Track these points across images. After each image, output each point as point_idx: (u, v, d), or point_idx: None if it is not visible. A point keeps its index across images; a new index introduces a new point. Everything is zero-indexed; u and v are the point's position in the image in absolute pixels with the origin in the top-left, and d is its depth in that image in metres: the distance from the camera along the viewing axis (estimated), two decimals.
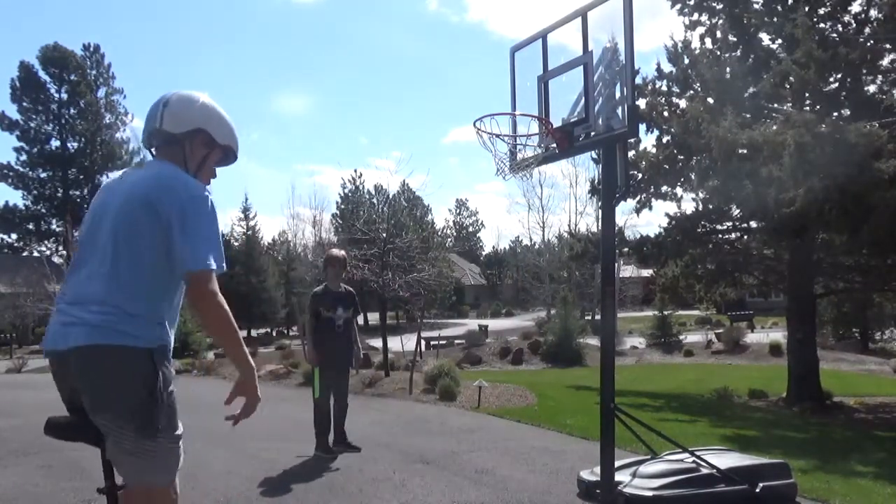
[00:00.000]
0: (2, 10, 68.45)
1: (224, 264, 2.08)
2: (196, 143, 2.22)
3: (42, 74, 46.86)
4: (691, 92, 12.74)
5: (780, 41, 12.12)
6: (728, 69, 11.79)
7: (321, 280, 6.90)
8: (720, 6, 12.51)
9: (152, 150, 2.28)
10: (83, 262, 2.10)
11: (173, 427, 2.10)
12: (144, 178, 2.10)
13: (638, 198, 13.01)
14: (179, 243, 1.98)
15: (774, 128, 10.70)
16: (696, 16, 12.90)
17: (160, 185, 2.05)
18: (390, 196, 26.92)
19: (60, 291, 2.14)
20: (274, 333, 41.68)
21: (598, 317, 29.34)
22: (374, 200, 43.89)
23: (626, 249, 14.48)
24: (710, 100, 11.91)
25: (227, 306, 2.06)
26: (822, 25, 11.62)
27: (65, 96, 47.45)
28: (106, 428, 2.03)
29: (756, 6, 12.20)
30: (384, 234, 15.19)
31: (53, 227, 47.00)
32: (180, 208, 2.01)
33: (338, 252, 6.51)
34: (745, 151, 10.25)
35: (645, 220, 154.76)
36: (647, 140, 13.97)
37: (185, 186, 2.07)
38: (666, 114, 12.48)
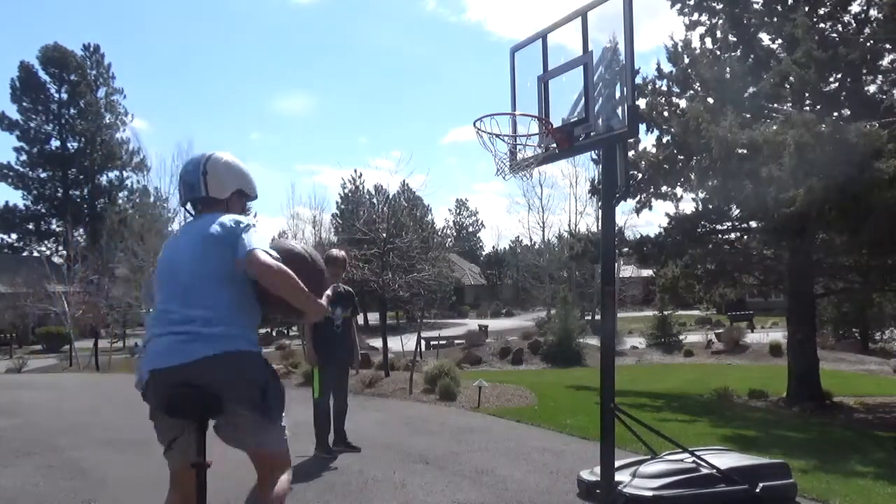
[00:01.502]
0: (2, 10, 68.52)
1: (261, 247, 2.48)
2: (233, 199, 2.76)
3: (42, 74, 46.91)
4: (691, 92, 12.74)
5: (780, 41, 12.12)
6: (728, 69, 11.79)
7: None
8: (720, 6, 12.51)
9: (188, 205, 2.79)
10: (174, 294, 2.55)
11: (282, 407, 2.62)
12: (207, 222, 2.59)
13: (638, 198, 13.01)
14: (240, 247, 2.48)
15: (774, 128, 10.69)
16: (696, 16, 12.90)
17: (222, 223, 2.56)
18: (390, 196, 26.90)
19: (157, 317, 2.57)
20: (274, 333, 41.64)
21: (598, 317, 29.34)
22: (374, 200, 43.85)
23: (626, 249, 14.49)
24: (710, 100, 11.91)
25: (281, 270, 2.44)
26: (822, 25, 11.62)
27: (65, 96, 47.47)
28: (239, 417, 2.49)
29: (756, 6, 12.19)
30: (384, 234, 15.18)
31: (53, 227, 47.03)
32: (238, 231, 2.53)
33: (337, 252, 6.50)
34: (745, 151, 10.25)
35: (645, 220, 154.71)
36: (647, 140, 13.99)
37: (239, 219, 2.59)
38: (666, 114, 12.48)
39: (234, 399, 2.44)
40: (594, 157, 12.48)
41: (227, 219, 2.56)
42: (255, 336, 2.57)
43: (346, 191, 48.31)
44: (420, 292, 18.03)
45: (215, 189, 2.69)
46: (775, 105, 12.02)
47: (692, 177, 12.31)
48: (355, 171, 48.25)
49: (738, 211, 12.84)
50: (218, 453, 5.89)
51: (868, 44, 11.00)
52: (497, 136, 4.37)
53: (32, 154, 47.08)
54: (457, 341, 24.96)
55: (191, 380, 2.39)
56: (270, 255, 2.45)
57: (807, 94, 11.52)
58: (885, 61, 11.51)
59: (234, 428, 2.53)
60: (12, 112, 46.42)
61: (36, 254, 42.51)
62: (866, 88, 11.75)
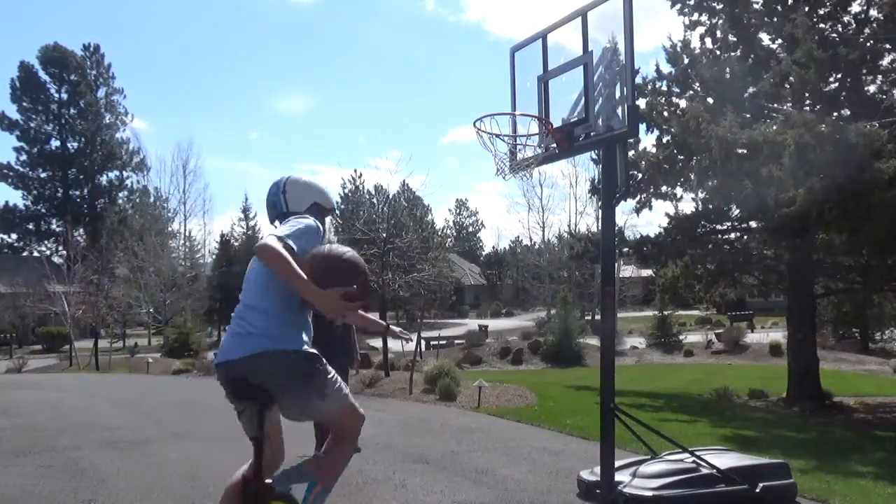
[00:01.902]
0: (2, 10, 68.52)
1: (293, 244, 2.65)
2: (311, 212, 3.01)
3: (42, 74, 46.92)
4: (691, 92, 12.73)
5: (780, 41, 12.11)
6: (728, 69, 11.78)
7: None
8: (720, 6, 12.50)
9: (275, 223, 3.05)
10: (243, 292, 2.86)
11: (328, 382, 2.79)
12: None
13: (638, 198, 13.00)
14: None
15: (774, 128, 10.69)
16: (695, 16, 12.89)
17: (276, 230, 2.77)
18: (390, 196, 26.89)
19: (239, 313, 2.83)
20: None
21: (598, 317, 29.34)
22: (374, 200, 43.86)
23: (626, 249, 14.48)
24: (710, 100, 11.90)
25: (282, 257, 2.58)
26: (822, 25, 11.61)
27: (65, 96, 47.48)
28: (288, 402, 2.78)
29: (756, 6, 12.19)
30: (384, 234, 15.19)
31: (53, 227, 47.03)
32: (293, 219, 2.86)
33: None
34: (745, 151, 10.24)
35: (645, 220, 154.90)
36: (647, 140, 13.98)
37: (287, 222, 2.82)
38: (666, 114, 12.47)
39: (278, 390, 2.72)
40: (594, 157, 12.48)
41: (285, 223, 2.82)
42: (295, 333, 2.78)
43: (346, 191, 48.27)
44: (420, 292, 18.04)
45: (294, 204, 3.00)
46: (775, 105, 12.02)
47: (692, 177, 12.31)
48: (355, 171, 48.19)
49: (738, 211, 12.83)
50: (218, 453, 5.88)
51: (868, 44, 10.99)
52: (497, 136, 4.37)
53: (32, 154, 47.08)
54: (457, 341, 24.96)
55: (239, 374, 2.69)
56: (286, 241, 2.61)
57: (807, 94, 11.51)
58: (885, 61, 11.50)
59: (289, 409, 2.81)
60: (12, 112, 46.49)
61: (36, 254, 42.58)
62: (866, 88, 11.74)
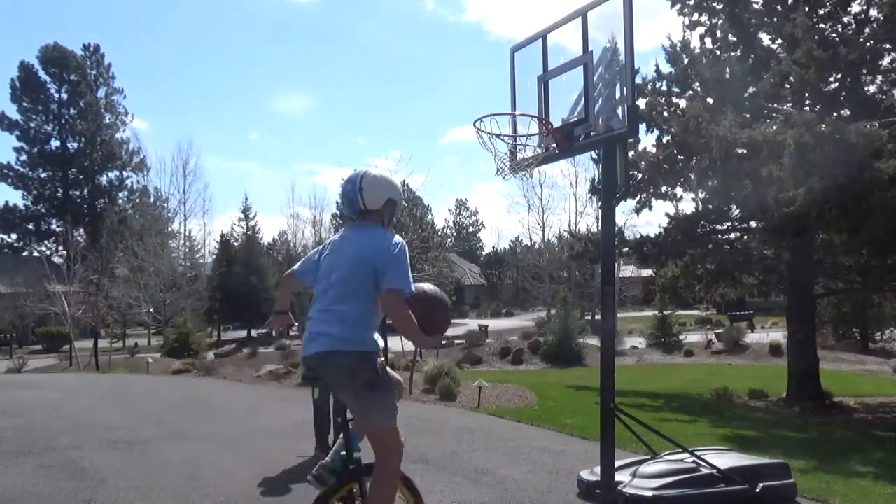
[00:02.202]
0: (2, 10, 68.53)
1: (411, 289, 2.96)
2: (386, 208, 3.19)
3: (42, 74, 46.91)
4: (691, 92, 12.74)
5: (780, 41, 12.12)
6: (728, 69, 11.79)
7: None
8: (720, 6, 12.50)
9: (352, 216, 3.23)
10: (324, 290, 3.10)
11: (384, 396, 3.06)
12: (365, 240, 3.05)
13: (638, 198, 13.00)
14: (386, 276, 2.92)
15: (774, 128, 10.69)
16: (695, 16, 12.89)
17: (378, 246, 3.00)
18: None
19: (313, 304, 3.13)
20: (274, 334, 41.64)
21: (598, 317, 29.34)
22: None
23: (626, 249, 14.49)
24: (710, 100, 11.91)
25: (405, 312, 2.93)
26: (822, 25, 11.61)
27: (65, 96, 47.47)
28: (347, 399, 3.13)
29: (756, 6, 12.19)
30: None
31: (53, 227, 47.01)
32: (390, 257, 2.97)
33: None
34: (745, 151, 10.24)
35: (645, 220, 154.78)
36: (647, 140, 13.99)
37: (394, 244, 3.01)
38: (666, 114, 12.48)
39: (341, 387, 3.06)
40: (594, 157, 12.49)
41: (384, 244, 3.00)
42: (370, 338, 3.04)
43: None
44: None
45: (371, 202, 3.14)
46: (775, 105, 12.02)
47: (692, 177, 12.31)
48: (355, 171, 48.21)
49: (738, 211, 12.83)
50: (218, 453, 5.89)
51: (868, 44, 10.99)
52: (497, 136, 4.36)
53: (32, 154, 47.07)
54: (457, 341, 24.93)
55: (316, 366, 3.04)
56: (403, 293, 2.92)
57: (807, 94, 11.51)
58: (885, 61, 11.51)
59: (349, 408, 3.12)
60: (12, 112, 46.47)
61: (36, 254, 42.56)
62: (866, 88, 11.75)
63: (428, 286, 3.22)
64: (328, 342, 2.94)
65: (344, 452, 3.17)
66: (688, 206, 13.24)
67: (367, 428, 3.07)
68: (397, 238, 3.05)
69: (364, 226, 3.13)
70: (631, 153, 12.34)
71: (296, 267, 3.37)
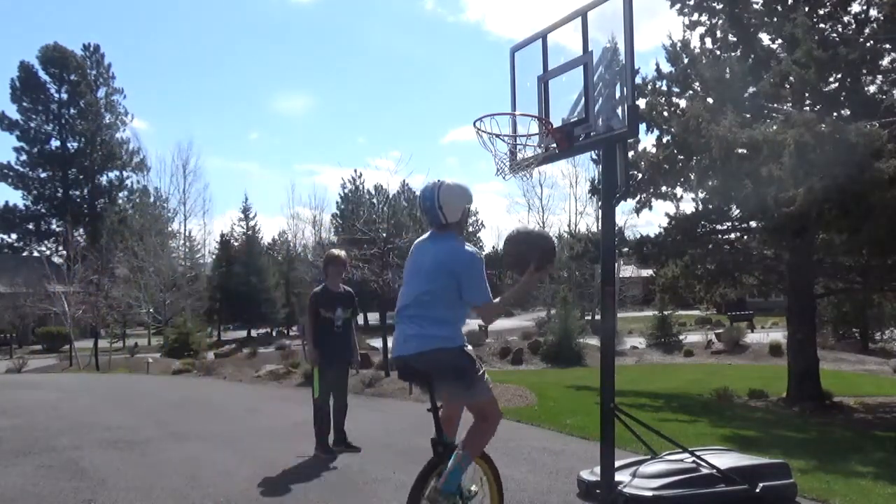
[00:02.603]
0: (2, 10, 68.52)
1: (489, 297, 3.41)
2: (463, 217, 3.55)
3: (42, 74, 46.95)
4: (691, 92, 12.73)
5: (780, 41, 12.11)
6: (728, 69, 11.78)
7: (321, 280, 6.90)
8: (720, 6, 12.49)
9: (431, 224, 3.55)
10: (410, 296, 3.46)
11: (476, 377, 3.43)
12: (444, 250, 3.41)
13: (638, 198, 13.00)
14: (467, 290, 3.37)
15: (774, 128, 10.69)
16: (695, 16, 12.88)
17: (455, 257, 3.39)
18: (390, 196, 26.86)
19: (400, 310, 3.48)
20: (274, 333, 41.66)
21: (598, 317, 29.33)
22: (374, 200, 43.91)
23: (626, 249, 14.48)
24: (710, 99, 11.90)
25: (499, 310, 3.65)
26: (822, 25, 11.61)
27: (65, 96, 47.51)
28: (445, 388, 3.48)
29: (756, 6, 12.18)
30: (384, 234, 15.18)
31: (53, 227, 47.05)
32: (467, 270, 3.38)
33: (338, 251, 6.51)
34: (745, 151, 10.24)
35: (645, 220, 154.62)
36: (647, 140, 13.98)
37: (468, 255, 3.40)
38: (666, 114, 12.47)
39: (439, 379, 3.38)
40: (594, 157, 12.48)
41: (460, 256, 3.38)
42: (458, 334, 3.43)
43: (346, 191, 48.33)
44: None
45: (451, 216, 3.46)
46: (775, 105, 12.01)
47: (692, 177, 12.30)
48: (355, 171, 48.18)
49: (738, 211, 12.83)
50: (218, 453, 5.89)
51: (868, 44, 10.99)
52: (497, 136, 4.35)
53: (32, 154, 47.09)
54: None
55: (412, 364, 3.38)
56: (487, 304, 3.40)
57: (807, 94, 11.51)
58: (885, 61, 11.50)
59: (444, 392, 3.48)
60: (12, 112, 46.53)
61: (36, 254, 42.59)
62: (866, 88, 11.74)
63: (517, 231, 3.72)
64: (426, 342, 3.31)
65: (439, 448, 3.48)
66: (688, 206, 13.23)
67: (475, 403, 3.47)
68: (470, 249, 3.43)
69: (441, 238, 3.48)
70: (631, 153, 12.34)
71: None
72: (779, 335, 21.39)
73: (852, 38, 11.09)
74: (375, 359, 16.02)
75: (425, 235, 3.60)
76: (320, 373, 5.98)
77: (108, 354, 24.38)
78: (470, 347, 3.51)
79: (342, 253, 6.46)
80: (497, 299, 3.49)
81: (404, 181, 24.65)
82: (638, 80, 12.63)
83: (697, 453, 4.53)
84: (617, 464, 4.35)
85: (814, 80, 10.32)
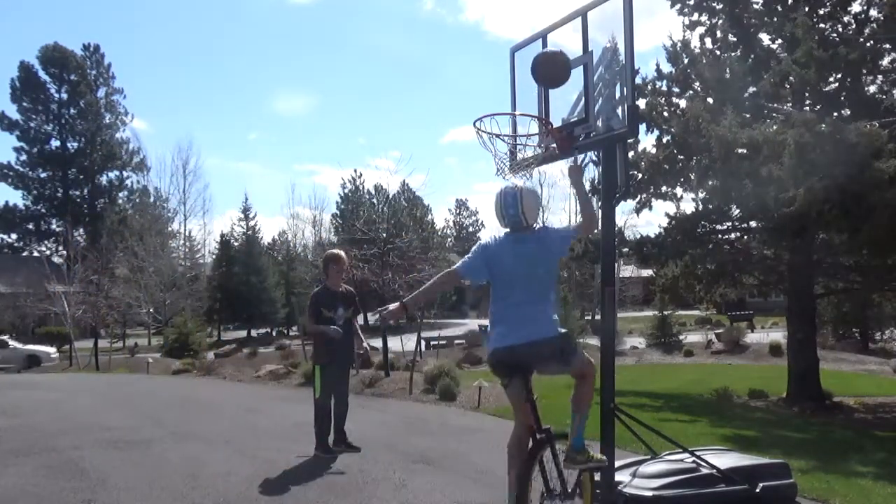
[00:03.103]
0: (2, 10, 68.51)
1: (571, 228, 4.23)
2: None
3: (42, 74, 46.90)
4: (691, 92, 12.72)
5: (780, 41, 12.11)
6: (728, 69, 11.77)
7: (321, 280, 6.91)
8: (720, 6, 12.49)
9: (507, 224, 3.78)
10: (511, 288, 3.68)
11: (575, 348, 3.78)
12: (532, 245, 3.69)
13: (638, 198, 12.99)
14: (565, 242, 3.91)
15: (774, 127, 10.69)
16: (695, 16, 12.88)
17: (546, 239, 3.75)
18: (390, 196, 26.87)
19: (503, 305, 3.68)
20: (274, 333, 41.67)
21: (598, 317, 29.32)
22: (374, 200, 43.85)
23: (626, 249, 14.47)
24: (710, 99, 11.90)
25: (590, 211, 4.00)
26: (822, 25, 11.60)
27: (65, 96, 47.46)
28: (550, 368, 3.76)
29: (756, 6, 12.18)
30: (384, 234, 15.21)
31: (53, 227, 46.99)
32: (557, 239, 3.83)
33: (338, 251, 6.53)
34: (745, 151, 10.23)
35: (645, 220, 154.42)
36: (647, 140, 13.98)
37: (544, 229, 3.88)
38: (666, 114, 12.46)
39: (548, 363, 3.64)
40: (594, 158, 12.45)
41: (555, 236, 3.80)
42: (558, 321, 3.67)
43: (346, 191, 48.32)
44: None
45: (531, 218, 3.73)
46: (775, 105, 12.01)
47: (692, 177, 12.30)
48: (355, 171, 48.16)
49: (738, 211, 12.82)
50: (218, 453, 5.88)
51: (868, 44, 10.99)
52: (497, 135, 4.35)
53: (32, 154, 47.05)
54: (457, 341, 24.97)
55: (521, 352, 3.53)
56: (579, 231, 4.20)
57: (807, 94, 11.51)
58: (885, 61, 11.50)
59: (550, 371, 3.83)
60: (12, 112, 46.44)
61: (36, 254, 42.55)
62: (866, 88, 11.74)
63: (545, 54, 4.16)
64: (536, 332, 3.53)
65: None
66: (688, 206, 13.22)
67: (580, 370, 3.68)
68: (542, 225, 3.91)
69: (526, 236, 3.72)
70: (631, 153, 12.33)
71: (458, 267, 3.77)
72: (779, 335, 21.38)
73: (852, 38, 11.08)
74: (375, 359, 16.01)
75: (501, 237, 3.78)
76: (322, 372, 5.98)
77: (108, 354, 24.37)
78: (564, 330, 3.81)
79: (342, 252, 6.47)
80: (579, 209, 4.13)
81: (404, 181, 24.56)
82: (638, 80, 12.62)
83: (697, 453, 4.52)
84: (617, 464, 4.35)
85: (814, 80, 10.32)
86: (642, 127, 12.08)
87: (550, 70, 4.12)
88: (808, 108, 11.42)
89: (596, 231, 4.33)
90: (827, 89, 11.31)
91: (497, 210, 3.73)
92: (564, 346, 3.64)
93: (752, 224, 13.03)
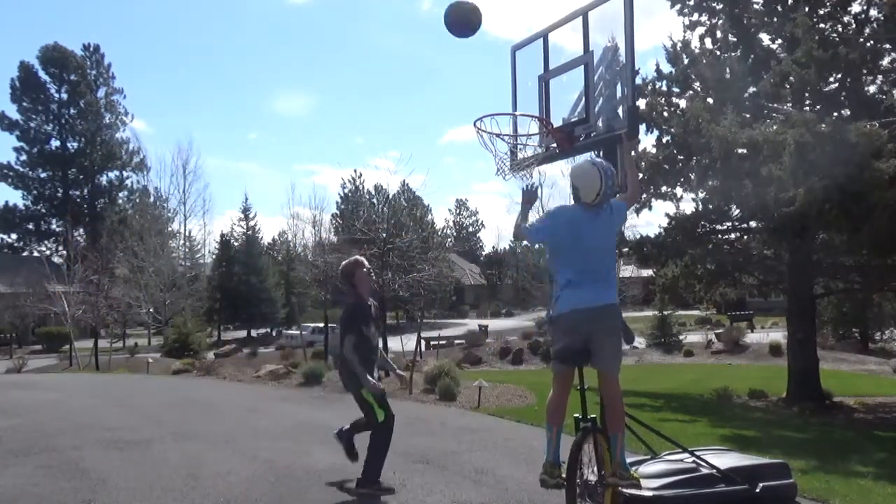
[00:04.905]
0: (2, 10, 68.53)
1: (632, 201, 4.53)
2: None
3: (42, 74, 46.88)
4: (691, 92, 12.73)
5: (780, 41, 12.12)
6: (728, 69, 11.78)
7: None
8: (720, 6, 12.50)
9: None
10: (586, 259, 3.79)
11: (631, 336, 4.05)
12: (606, 218, 3.85)
13: None
14: (624, 210, 4.08)
15: (774, 127, 10.69)
16: (695, 16, 12.90)
17: (618, 221, 4.05)
18: (390, 196, 26.84)
19: (579, 270, 3.76)
20: (274, 333, 41.66)
21: None
22: (374, 200, 43.79)
23: (626, 249, 14.48)
24: (710, 99, 11.90)
25: (635, 179, 4.31)
26: (822, 25, 11.61)
27: (65, 96, 47.45)
28: (607, 344, 3.79)
29: (756, 6, 12.19)
30: (384, 234, 15.20)
31: (53, 227, 46.97)
32: (622, 206, 4.03)
33: (355, 256, 5.43)
34: (745, 151, 10.24)
35: (645, 220, 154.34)
36: (647, 140, 13.97)
37: (624, 219, 4.23)
38: (666, 114, 12.47)
39: (609, 332, 3.73)
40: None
41: (623, 209, 3.98)
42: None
43: (346, 191, 48.27)
44: (420, 292, 18.02)
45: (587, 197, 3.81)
46: (775, 105, 12.01)
47: (692, 177, 12.31)
48: (355, 171, 48.11)
49: (738, 211, 12.83)
50: (218, 453, 5.87)
51: (868, 44, 10.99)
52: (497, 135, 4.36)
53: (32, 154, 47.03)
54: (457, 341, 24.97)
55: (591, 317, 3.67)
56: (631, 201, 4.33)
57: (807, 94, 11.51)
58: (885, 61, 11.51)
59: (599, 358, 3.77)
60: (12, 112, 46.44)
61: (36, 254, 42.54)
62: (866, 88, 11.74)
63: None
64: (608, 297, 3.70)
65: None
66: (688, 206, 13.23)
67: (612, 377, 3.83)
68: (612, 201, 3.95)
69: (602, 209, 3.80)
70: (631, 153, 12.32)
71: (533, 223, 3.89)
72: (779, 335, 21.38)
73: (852, 38, 11.09)
74: None
75: (576, 207, 3.82)
76: (379, 400, 4.96)
77: (108, 354, 24.36)
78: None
79: (358, 256, 5.41)
80: (629, 180, 4.11)
81: (404, 181, 24.56)
82: (638, 80, 12.63)
83: (697, 453, 4.52)
84: None
85: (814, 80, 10.33)
86: (642, 127, 12.09)
87: (459, 13, 4.14)
88: (808, 108, 11.42)
89: None
90: (827, 89, 11.32)
91: (590, 182, 3.70)
92: (621, 316, 3.82)
93: (752, 224, 13.04)
